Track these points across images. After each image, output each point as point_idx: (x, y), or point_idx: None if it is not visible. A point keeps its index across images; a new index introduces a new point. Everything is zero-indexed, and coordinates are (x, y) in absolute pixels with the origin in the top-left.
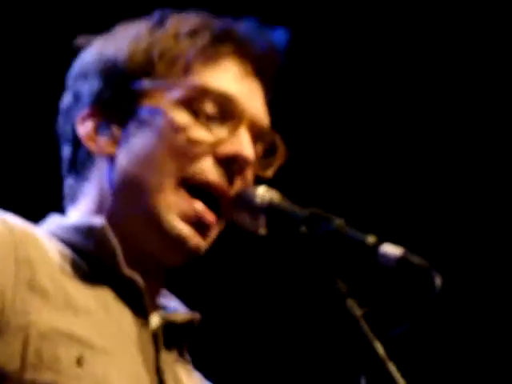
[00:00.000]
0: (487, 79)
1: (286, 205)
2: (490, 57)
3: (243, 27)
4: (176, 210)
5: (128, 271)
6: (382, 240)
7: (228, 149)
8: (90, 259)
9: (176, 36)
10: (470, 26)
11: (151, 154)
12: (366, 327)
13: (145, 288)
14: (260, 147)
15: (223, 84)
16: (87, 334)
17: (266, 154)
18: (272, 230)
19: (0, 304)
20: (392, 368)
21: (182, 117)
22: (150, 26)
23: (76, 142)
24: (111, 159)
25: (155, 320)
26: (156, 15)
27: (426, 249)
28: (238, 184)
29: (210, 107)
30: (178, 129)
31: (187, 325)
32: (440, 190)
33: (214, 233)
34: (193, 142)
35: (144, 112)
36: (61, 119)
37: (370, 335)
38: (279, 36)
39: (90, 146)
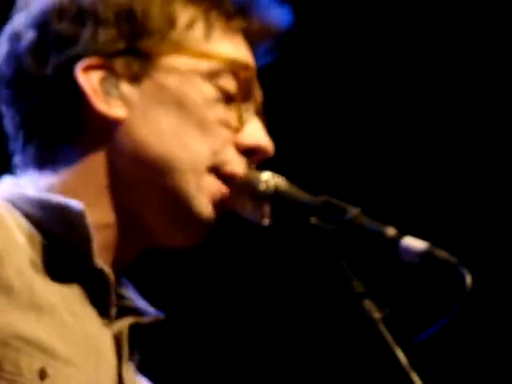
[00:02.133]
0: (488, 74)
1: (294, 192)
2: (490, 55)
3: (260, 3)
4: (207, 193)
5: (99, 262)
6: (403, 233)
7: (251, 140)
8: (57, 243)
9: None
10: (469, 25)
11: (180, 131)
12: (385, 332)
13: (113, 282)
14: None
15: (245, 62)
16: (51, 341)
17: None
18: (278, 220)
19: None
20: (415, 379)
21: (211, 92)
22: None
23: (58, 91)
24: (121, 125)
25: (120, 323)
26: None
27: (451, 244)
28: None
29: (232, 85)
30: (209, 106)
31: (153, 326)
32: (462, 182)
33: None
34: (223, 125)
35: (165, 75)
36: (24, 58)
37: (391, 341)
38: (285, 16)
39: (96, 103)
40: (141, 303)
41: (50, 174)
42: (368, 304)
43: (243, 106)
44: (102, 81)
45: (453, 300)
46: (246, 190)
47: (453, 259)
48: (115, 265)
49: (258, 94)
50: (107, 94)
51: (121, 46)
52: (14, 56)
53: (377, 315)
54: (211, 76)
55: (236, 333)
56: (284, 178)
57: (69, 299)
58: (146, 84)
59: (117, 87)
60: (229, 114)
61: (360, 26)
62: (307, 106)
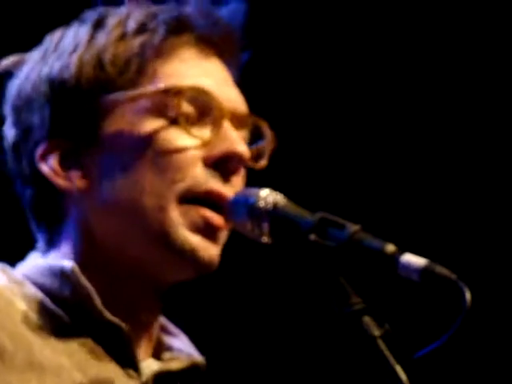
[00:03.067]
0: (487, 78)
1: (293, 209)
2: (490, 57)
3: (195, 11)
4: (184, 223)
5: (109, 315)
6: (402, 250)
7: (218, 150)
8: (67, 306)
9: (123, 36)
10: (469, 25)
11: (137, 178)
12: (385, 349)
13: (130, 333)
14: (244, 134)
15: (192, 78)
16: None
17: (252, 141)
18: (277, 237)
19: None
20: None
21: (155, 126)
22: (88, 31)
23: (38, 182)
24: (88, 193)
25: (149, 369)
26: (89, 16)
27: (450, 261)
28: (235, 182)
29: (184, 108)
30: (155, 141)
31: (187, 372)
32: (462, 197)
33: (223, 236)
34: (177, 152)
35: (111, 132)
36: (11, 157)
37: (390, 358)
38: (235, 10)
39: (60, 183)
40: (186, 350)
41: (56, 250)
42: (367, 321)
43: (206, 121)
44: (61, 159)
45: (452, 316)
46: (244, 207)
47: (452, 276)
48: (134, 315)
49: (222, 101)
50: (68, 169)
51: (65, 119)
52: (11, 153)
53: (376, 332)
54: (156, 111)
55: (236, 348)
56: (283, 195)
57: (78, 356)
58: (99, 147)
59: (75, 160)
60: (188, 136)
61: (354, 24)
62: (304, 122)
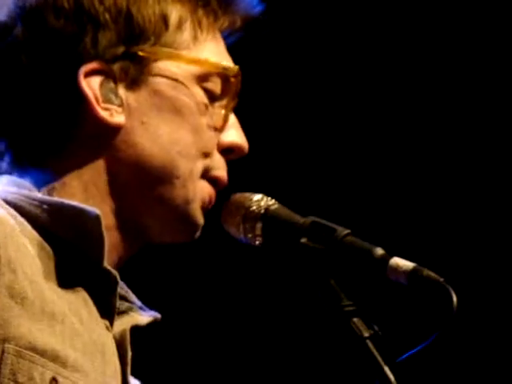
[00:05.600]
0: (485, 87)
1: (285, 213)
2: (489, 58)
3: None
4: (199, 198)
5: (106, 264)
6: (391, 253)
7: (230, 140)
8: (62, 248)
9: None
10: (468, 25)
11: (177, 138)
12: (374, 350)
13: (118, 283)
14: None
15: (227, 62)
16: (62, 349)
17: None
18: (269, 240)
19: None
20: None
21: (201, 96)
22: None
23: (57, 93)
24: (122, 132)
25: (121, 325)
26: None
27: (438, 264)
28: None
29: (216, 87)
30: (200, 110)
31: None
32: (449, 201)
33: None
34: (213, 129)
35: (159, 81)
36: (18, 55)
37: (379, 359)
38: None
39: (97, 110)
40: (137, 301)
41: (49, 176)
42: (357, 322)
43: (219, 102)
44: (102, 86)
45: (441, 317)
46: (237, 211)
47: (440, 279)
48: (116, 265)
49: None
50: (107, 100)
51: (119, 50)
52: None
53: (366, 333)
54: (201, 79)
55: (227, 349)
56: (275, 199)
57: (75, 305)
58: (142, 89)
59: (115, 93)
60: (214, 114)
61: (351, 32)
62: (295, 127)
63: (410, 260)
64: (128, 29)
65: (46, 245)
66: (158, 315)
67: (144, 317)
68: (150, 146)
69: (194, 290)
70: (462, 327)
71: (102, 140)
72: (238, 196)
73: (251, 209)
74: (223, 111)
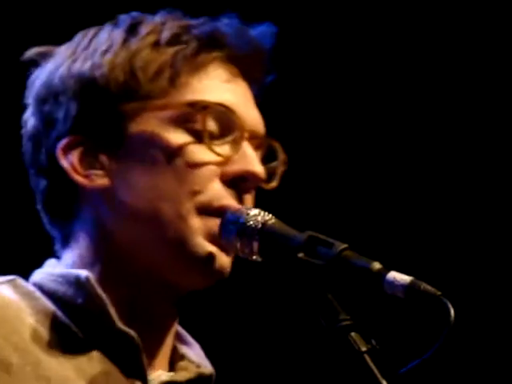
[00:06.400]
0: (485, 89)
1: (282, 228)
2: (489, 60)
3: (228, 28)
4: (201, 233)
5: (121, 325)
6: (387, 267)
7: (235, 168)
8: (79, 315)
9: (156, 44)
10: (468, 26)
11: (158, 185)
12: (371, 364)
13: (140, 343)
14: (260, 155)
15: (218, 95)
16: None
17: (264, 161)
18: (266, 255)
19: None
20: None
21: (180, 138)
22: (122, 34)
23: (55, 175)
24: (106, 193)
25: (158, 380)
26: (123, 20)
27: (434, 278)
28: (247, 201)
29: (208, 123)
30: (178, 152)
31: (194, 382)
32: (446, 215)
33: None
34: (198, 166)
35: (136, 137)
36: (28, 146)
37: (377, 373)
38: (265, 32)
39: (79, 179)
40: (197, 361)
41: (71, 250)
42: (355, 337)
43: (227, 139)
44: (82, 156)
45: (438, 331)
46: (234, 226)
47: (437, 292)
48: (148, 323)
49: (245, 121)
50: (88, 167)
51: (91, 117)
52: (30, 142)
53: (363, 348)
54: (182, 121)
55: (225, 364)
56: (272, 215)
57: (85, 369)
58: (122, 148)
59: (96, 158)
60: (210, 151)
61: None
62: (291, 140)
63: (407, 274)
64: (96, 95)
65: (59, 314)
66: (206, 370)
67: (183, 372)
68: (131, 199)
69: (192, 305)
70: (460, 341)
71: (94, 204)
72: (234, 211)
73: (248, 224)
74: (226, 145)
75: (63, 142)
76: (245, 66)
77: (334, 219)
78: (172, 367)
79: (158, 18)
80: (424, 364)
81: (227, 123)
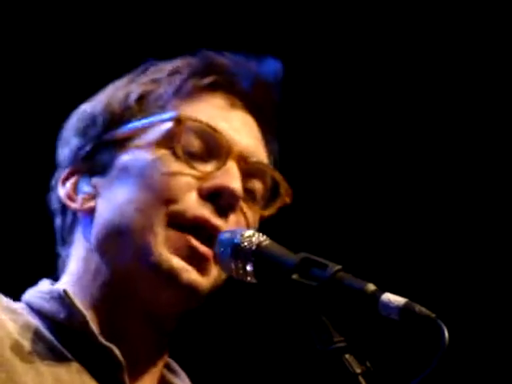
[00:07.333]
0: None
1: (276, 249)
2: (489, 58)
3: (226, 59)
4: (167, 246)
5: (102, 339)
6: (382, 289)
7: (212, 182)
8: (62, 330)
9: (155, 79)
10: (468, 26)
11: (132, 198)
12: None
13: (123, 360)
14: (259, 184)
15: (205, 117)
16: None
17: (271, 194)
18: (260, 276)
19: None
20: None
21: (160, 154)
22: (131, 76)
23: (62, 209)
24: (92, 214)
25: None
26: (142, 66)
27: (428, 300)
28: (232, 220)
29: (192, 142)
30: (156, 167)
31: None
32: (439, 237)
33: (213, 270)
34: (172, 176)
35: (123, 159)
36: (51, 195)
37: None
38: (269, 67)
39: (71, 205)
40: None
41: (65, 271)
42: (349, 358)
43: (211, 158)
44: (76, 185)
45: (432, 353)
46: (228, 247)
47: (431, 314)
48: (130, 344)
49: (234, 144)
50: (81, 192)
51: (86, 149)
52: (52, 190)
53: (358, 369)
54: (165, 140)
55: None
56: (266, 236)
57: (64, 380)
58: (112, 171)
59: (89, 183)
60: (189, 167)
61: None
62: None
63: (402, 295)
64: (91, 129)
65: (41, 329)
66: None
67: None
68: (109, 215)
69: (184, 327)
70: (454, 363)
71: (83, 227)
72: (228, 232)
73: (242, 245)
74: (210, 164)
75: (63, 174)
76: (248, 97)
77: (328, 240)
78: None
79: (171, 60)
80: None
81: (213, 143)
